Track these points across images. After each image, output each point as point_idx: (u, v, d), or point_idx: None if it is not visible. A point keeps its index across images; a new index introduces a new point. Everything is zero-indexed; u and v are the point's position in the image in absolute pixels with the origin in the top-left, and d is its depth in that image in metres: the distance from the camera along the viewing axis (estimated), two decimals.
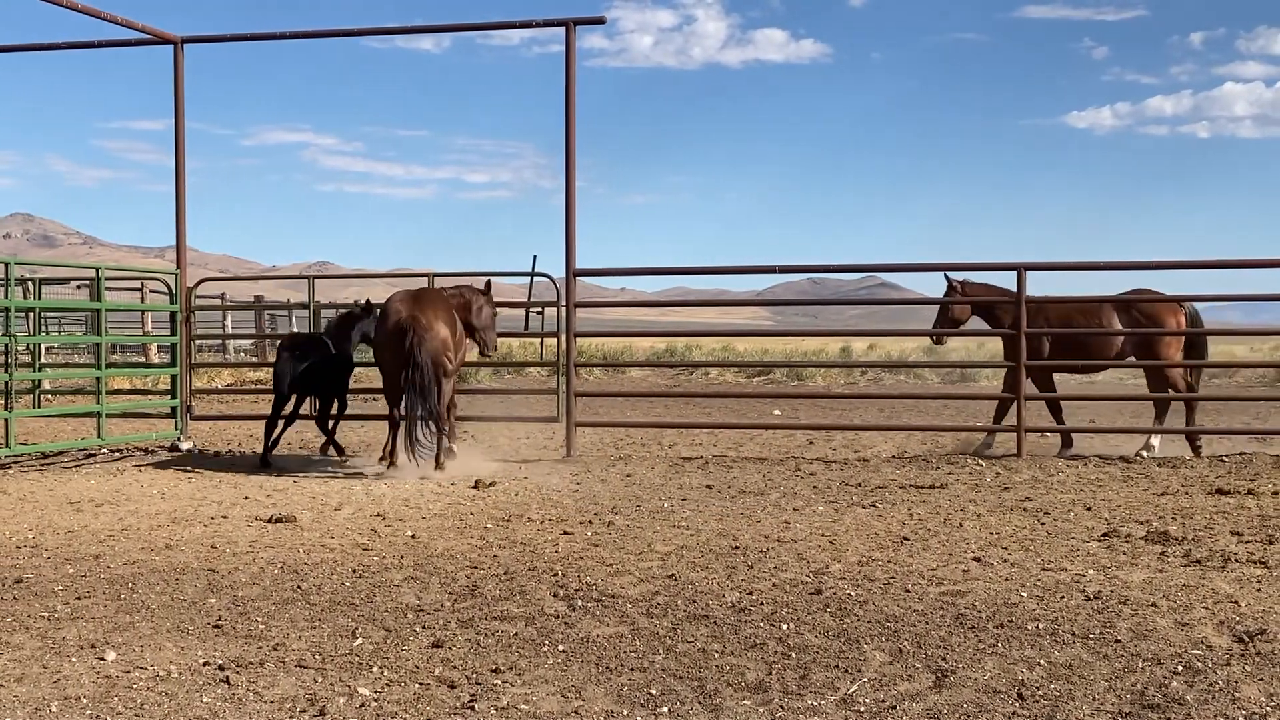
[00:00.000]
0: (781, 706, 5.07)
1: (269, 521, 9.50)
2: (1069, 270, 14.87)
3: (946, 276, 14.44)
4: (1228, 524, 9.14)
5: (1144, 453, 13.57)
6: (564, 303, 14.45)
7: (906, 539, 8.67)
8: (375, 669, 5.59)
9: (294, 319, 40.14)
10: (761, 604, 6.77)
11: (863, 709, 5.03)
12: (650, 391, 23.29)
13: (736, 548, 8.38)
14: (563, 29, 13.96)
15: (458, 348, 12.75)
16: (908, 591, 7.04)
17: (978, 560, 7.90)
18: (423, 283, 14.31)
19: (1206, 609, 6.57)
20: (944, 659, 5.69)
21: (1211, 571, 7.49)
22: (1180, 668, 5.51)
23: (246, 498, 10.86)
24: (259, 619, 6.53)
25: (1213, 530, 8.88)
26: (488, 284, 13.77)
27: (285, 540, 8.79)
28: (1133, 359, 14.16)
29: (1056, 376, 14.64)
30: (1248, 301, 14.42)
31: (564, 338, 14.33)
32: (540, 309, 20.96)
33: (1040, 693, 5.20)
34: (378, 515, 9.85)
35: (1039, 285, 13.68)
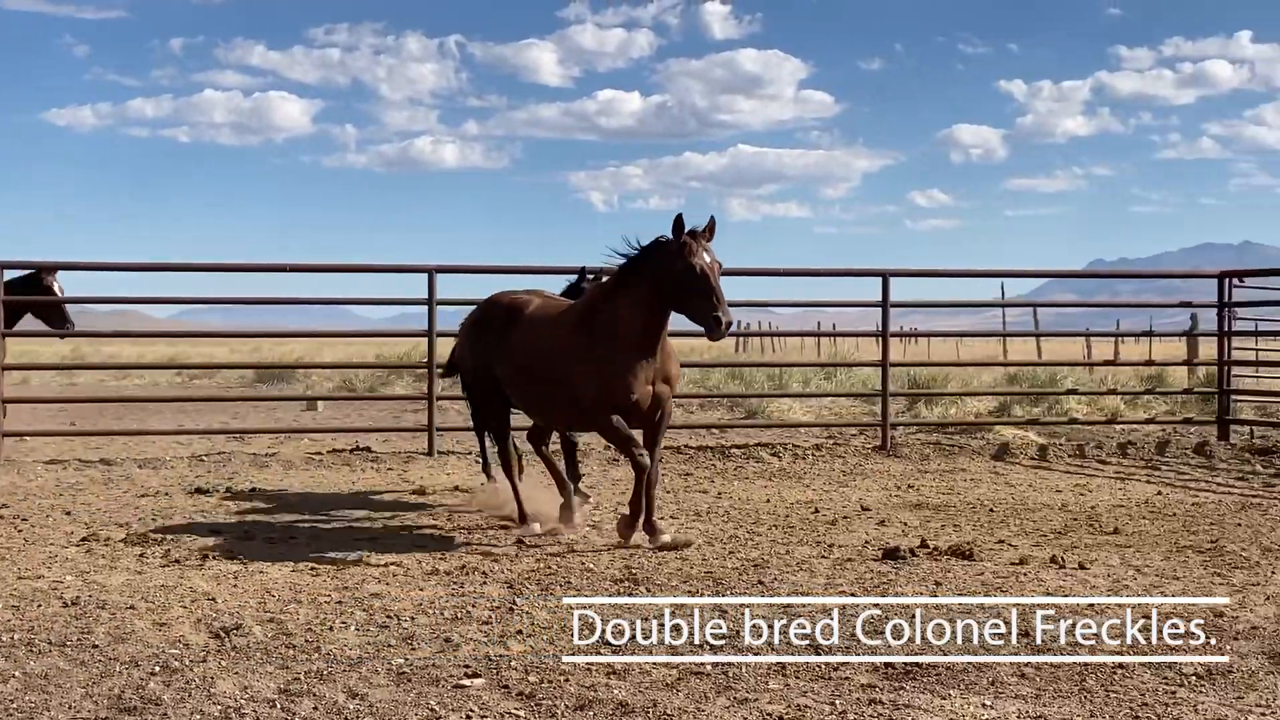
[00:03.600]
0: None
1: None
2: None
3: None
4: (206, 521, 9.46)
5: None
6: None
7: None
8: None
9: None
10: None
11: None
12: None
13: None
14: None
15: None
16: None
17: None
18: None
19: (184, 607, 6.73)
20: None
21: (190, 570, 7.69)
22: (158, 668, 5.63)
23: None
24: None
25: (191, 530, 9.11)
26: None
27: None
28: None
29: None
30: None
31: None
32: None
33: (15, 705, 5.08)
34: None
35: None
